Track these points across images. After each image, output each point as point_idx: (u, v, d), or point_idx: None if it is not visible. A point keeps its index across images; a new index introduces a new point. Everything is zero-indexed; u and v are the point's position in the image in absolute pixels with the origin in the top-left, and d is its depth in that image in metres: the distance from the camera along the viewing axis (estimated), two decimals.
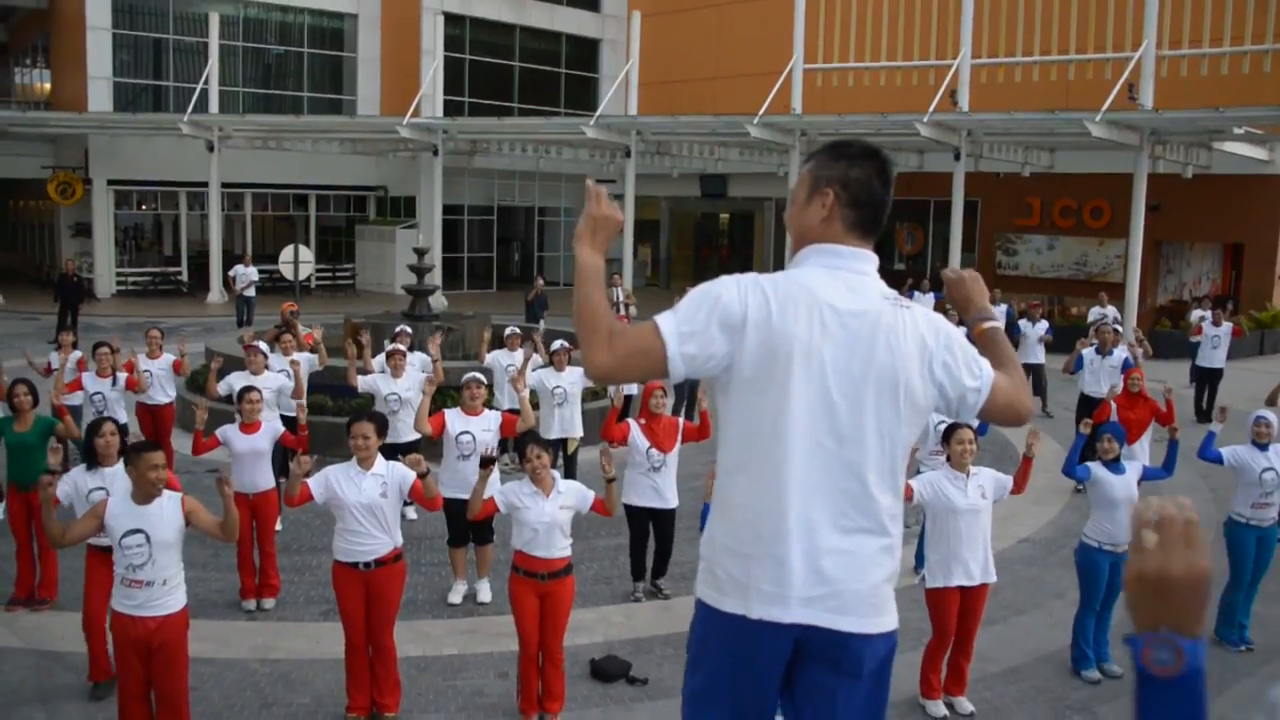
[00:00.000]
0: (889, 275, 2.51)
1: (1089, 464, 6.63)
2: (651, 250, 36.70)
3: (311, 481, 5.59)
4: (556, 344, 9.84)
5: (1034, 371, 14.07)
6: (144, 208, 30.31)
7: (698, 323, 2.32)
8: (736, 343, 2.33)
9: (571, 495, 5.69)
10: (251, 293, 21.10)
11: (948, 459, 6.20)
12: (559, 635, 5.64)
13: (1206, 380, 14.87)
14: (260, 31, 30.44)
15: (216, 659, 6.45)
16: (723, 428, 2.46)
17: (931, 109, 20.94)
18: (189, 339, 18.75)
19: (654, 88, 31.45)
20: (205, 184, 26.40)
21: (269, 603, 7.35)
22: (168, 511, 4.96)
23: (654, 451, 7.42)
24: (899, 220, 29.12)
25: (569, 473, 9.73)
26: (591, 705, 6.00)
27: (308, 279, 24.81)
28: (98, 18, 26.61)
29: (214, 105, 26.28)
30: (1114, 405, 9.17)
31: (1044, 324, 14.93)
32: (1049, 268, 25.82)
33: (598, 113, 26.19)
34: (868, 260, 2.44)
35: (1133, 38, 21.77)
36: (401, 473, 5.68)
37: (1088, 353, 11.34)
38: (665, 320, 2.35)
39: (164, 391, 10.17)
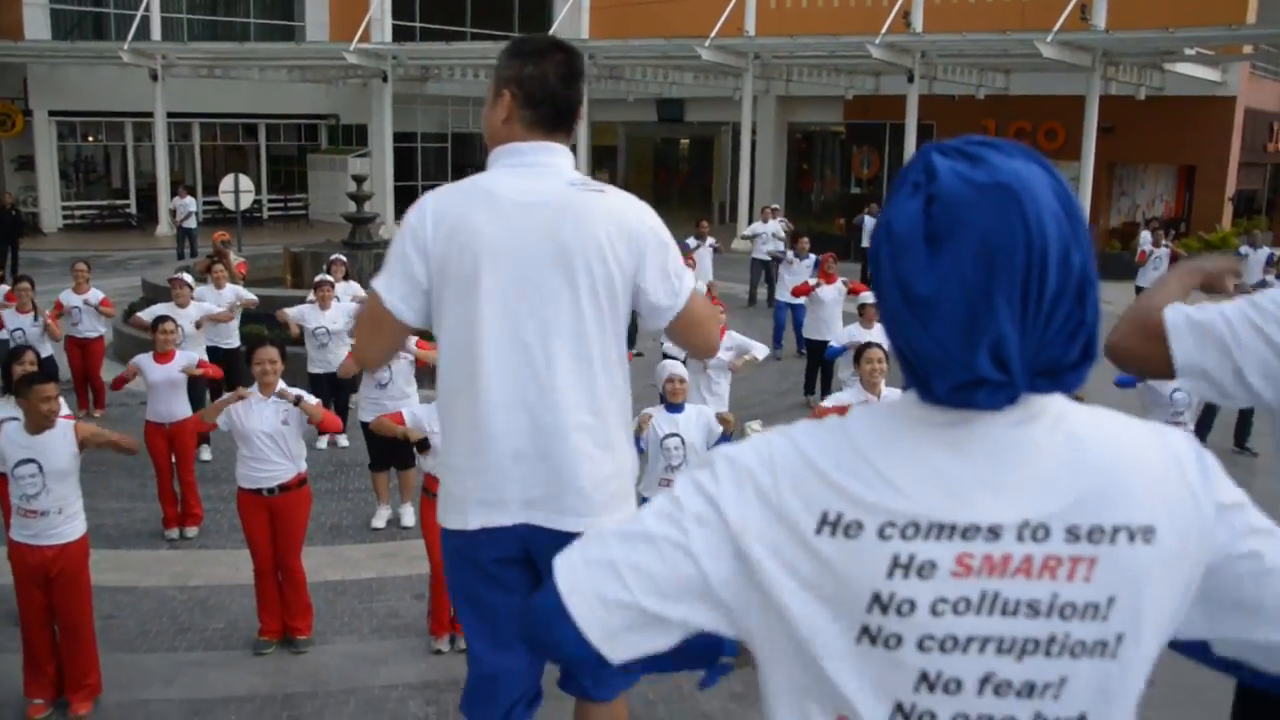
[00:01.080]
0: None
1: None
2: (610, 176, 36.45)
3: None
4: None
5: None
6: (90, 140, 29.65)
7: (395, 262, 2.41)
8: (431, 257, 2.35)
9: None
10: (192, 224, 20.84)
11: (860, 379, 6.26)
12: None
13: None
14: None
15: (137, 588, 6.47)
16: (438, 348, 2.51)
17: (884, 31, 20.72)
18: (134, 272, 18.52)
19: (609, 10, 30.93)
20: (150, 114, 25.82)
21: (191, 531, 7.37)
22: (60, 441, 4.93)
23: None
24: (855, 144, 29.01)
25: None
26: None
27: (253, 208, 24.46)
28: None
29: (156, 33, 25.62)
30: None
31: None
32: None
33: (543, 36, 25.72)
34: (552, 152, 2.44)
35: None
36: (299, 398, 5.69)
37: None
38: (378, 281, 2.46)
39: (93, 327, 10.06)
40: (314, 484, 6.36)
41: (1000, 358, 1.07)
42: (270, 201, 31.40)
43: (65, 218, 27.81)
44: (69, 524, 4.98)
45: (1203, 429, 9.53)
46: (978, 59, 23.05)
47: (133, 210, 28.72)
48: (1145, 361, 1.95)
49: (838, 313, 10.84)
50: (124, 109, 27.21)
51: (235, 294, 9.71)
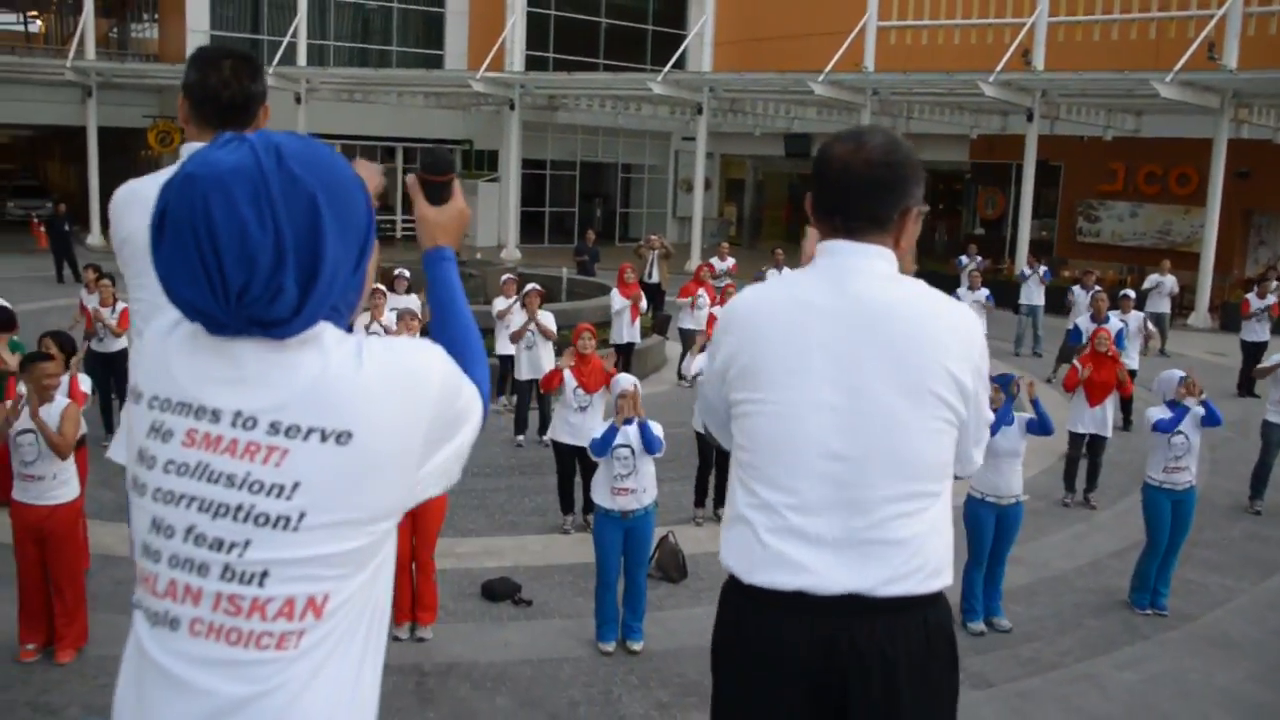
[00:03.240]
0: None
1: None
2: (737, 210, 36.66)
3: None
4: (529, 286, 10.16)
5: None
6: None
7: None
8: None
9: None
10: None
11: None
12: (429, 546, 5.98)
13: (1249, 354, 14.36)
14: None
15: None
16: None
17: (999, 68, 20.39)
18: None
19: (738, 45, 31.29)
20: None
21: None
22: (55, 416, 5.47)
23: (580, 391, 7.69)
24: (980, 184, 28.47)
25: (543, 412, 10.12)
26: (469, 620, 6.34)
27: (387, 227, 25.61)
28: None
29: (302, 58, 27.24)
30: (1079, 366, 9.03)
31: (984, 291, 15.06)
32: (1131, 235, 24.94)
33: (665, 69, 26.23)
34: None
35: None
36: None
37: (1082, 321, 11.12)
38: None
39: None
40: None
41: (201, 310, 1.36)
42: (404, 221, 32.81)
43: None
44: (63, 488, 5.54)
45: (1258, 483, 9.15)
46: (1102, 99, 22.41)
47: None
48: None
49: None
50: (270, 128, 28.88)
51: None
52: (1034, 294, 16.33)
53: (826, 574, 2.00)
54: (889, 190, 2.09)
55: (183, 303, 1.37)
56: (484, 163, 32.70)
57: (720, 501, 8.37)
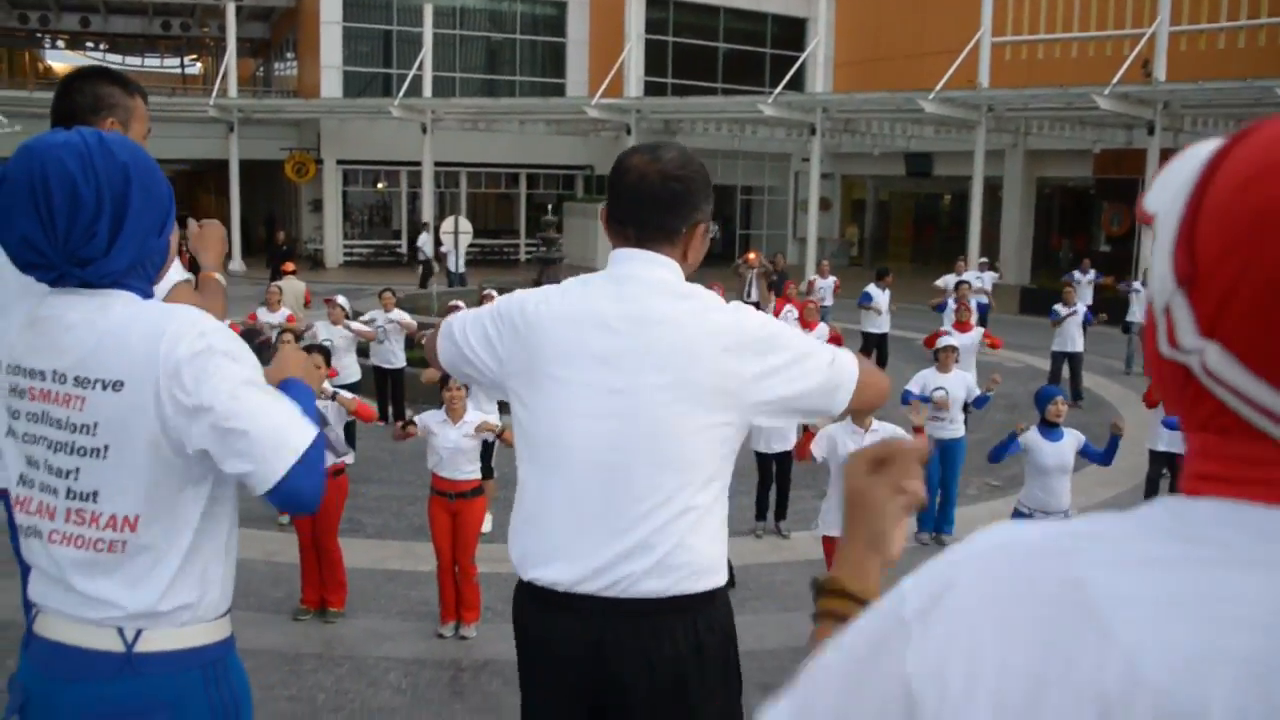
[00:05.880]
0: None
1: (1031, 428, 6.55)
2: (860, 230, 36.38)
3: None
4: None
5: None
6: (382, 185, 33.11)
7: None
8: None
9: (474, 425, 6.34)
10: (423, 255, 23.42)
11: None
12: (468, 553, 6.29)
13: None
14: (477, 20, 32.49)
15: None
16: None
17: (1115, 80, 19.84)
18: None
19: (858, 66, 31.20)
20: (419, 163, 28.63)
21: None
22: None
23: None
24: (1105, 200, 27.59)
25: None
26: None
27: (509, 250, 26.50)
28: (330, 12, 29.39)
29: (427, 90, 28.38)
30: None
31: (1080, 307, 13.61)
32: None
33: (775, 91, 26.32)
34: None
35: None
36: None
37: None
38: None
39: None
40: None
41: (32, 244, 1.77)
42: (527, 245, 33.70)
43: (345, 255, 31.13)
44: None
45: None
46: (1229, 109, 21.52)
47: (403, 250, 31.73)
48: None
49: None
50: (400, 158, 30.25)
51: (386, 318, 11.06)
52: (1143, 311, 15.63)
53: (592, 573, 2.08)
54: (681, 203, 2.16)
55: (17, 240, 1.77)
56: (604, 188, 33.27)
57: (781, 514, 8.47)
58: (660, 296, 2.14)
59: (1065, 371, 13.33)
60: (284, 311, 11.55)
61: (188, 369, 1.76)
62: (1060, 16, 26.33)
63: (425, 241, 23.41)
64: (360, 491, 9.06)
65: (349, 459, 6.75)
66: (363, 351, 11.17)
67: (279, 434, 1.79)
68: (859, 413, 2.17)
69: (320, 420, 1.95)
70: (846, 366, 2.17)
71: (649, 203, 2.17)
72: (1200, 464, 0.77)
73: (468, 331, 2.31)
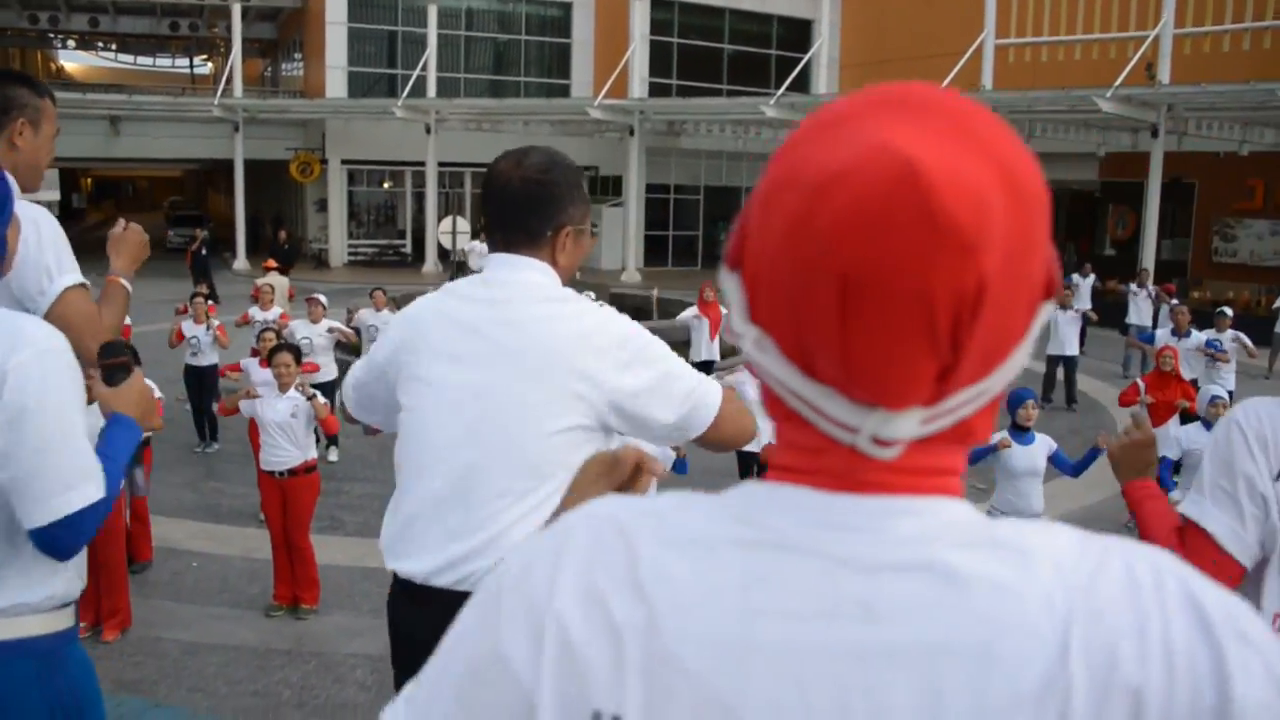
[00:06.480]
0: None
1: (1000, 432, 6.53)
2: None
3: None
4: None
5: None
6: (385, 185, 33.21)
7: None
8: None
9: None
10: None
11: None
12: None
13: None
14: (482, 21, 32.56)
15: (214, 554, 7.57)
16: None
17: (1117, 83, 19.75)
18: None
19: (863, 68, 31.13)
20: (424, 163, 28.69)
21: None
22: None
23: None
24: (1111, 203, 27.49)
25: None
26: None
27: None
28: (335, 13, 29.47)
29: (431, 90, 28.44)
30: (1142, 385, 8.77)
31: (1071, 311, 13.93)
32: (1271, 255, 23.68)
33: (779, 92, 26.31)
34: None
35: None
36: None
37: (1161, 332, 10.73)
38: None
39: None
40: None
41: None
42: None
43: (350, 254, 31.22)
44: None
45: None
46: (1233, 112, 21.40)
47: (407, 249, 31.81)
48: None
49: None
50: (404, 159, 30.32)
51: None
52: (1143, 314, 15.72)
53: (445, 566, 2.12)
54: (542, 206, 2.17)
55: None
56: (609, 188, 33.37)
57: None
58: (527, 300, 2.16)
59: (1060, 375, 13.29)
60: (276, 310, 11.59)
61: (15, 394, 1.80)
62: (1064, 19, 26.25)
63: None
64: (343, 489, 9.11)
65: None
66: (355, 351, 11.17)
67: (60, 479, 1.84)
68: (717, 446, 2.17)
69: (131, 464, 2.06)
70: (710, 394, 2.17)
71: (510, 206, 2.19)
72: (777, 454, 0.76)
73: (357, 373, 2.43)
